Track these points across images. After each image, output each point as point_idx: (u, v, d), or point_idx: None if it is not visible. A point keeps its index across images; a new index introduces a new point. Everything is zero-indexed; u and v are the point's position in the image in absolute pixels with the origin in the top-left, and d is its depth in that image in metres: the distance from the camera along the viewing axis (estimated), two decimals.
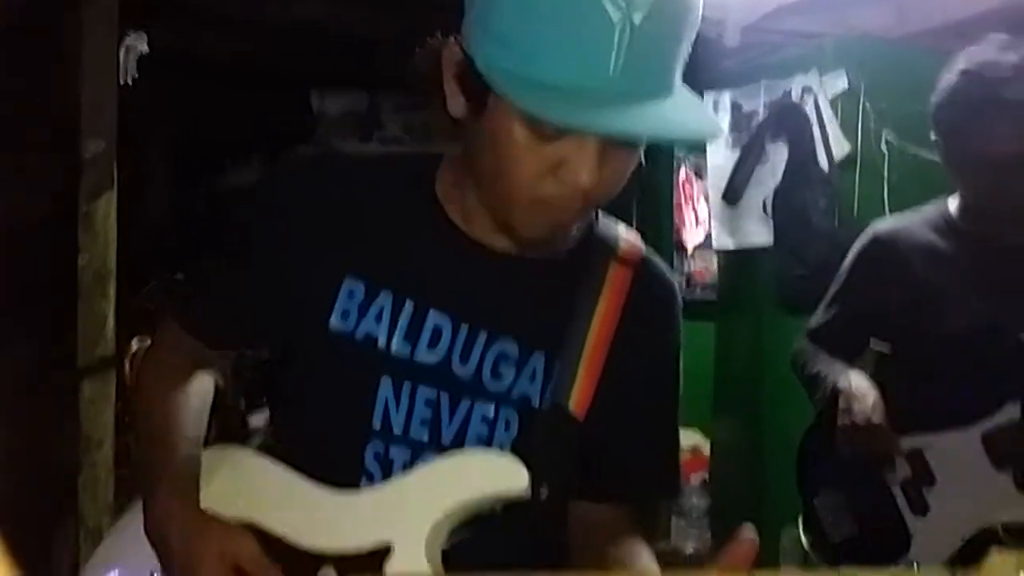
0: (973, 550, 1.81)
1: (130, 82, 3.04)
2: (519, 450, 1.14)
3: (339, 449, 1.17)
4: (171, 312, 1.30)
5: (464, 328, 1.17)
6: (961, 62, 1.87)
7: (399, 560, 1.06)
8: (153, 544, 1.12)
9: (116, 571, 1.18)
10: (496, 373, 1.17)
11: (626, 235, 1.26)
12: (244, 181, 4.12)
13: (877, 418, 1.87)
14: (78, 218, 2.83)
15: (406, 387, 1.16)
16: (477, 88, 1.03)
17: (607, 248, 1.23)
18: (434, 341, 1.17)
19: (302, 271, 1.18)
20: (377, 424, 1.16)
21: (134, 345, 2.95)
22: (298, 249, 1.18)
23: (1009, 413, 1.83)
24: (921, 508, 1.90)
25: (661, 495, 1.30)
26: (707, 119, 1.06)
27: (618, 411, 1.19)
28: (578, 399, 1.16)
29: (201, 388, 1.27)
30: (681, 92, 1.04)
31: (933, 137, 1.95)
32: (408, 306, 1.17)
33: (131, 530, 1.16)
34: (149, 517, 1.14)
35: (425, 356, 1.17)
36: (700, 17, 1.03)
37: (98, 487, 2.97)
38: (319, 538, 1.09)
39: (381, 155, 1.27)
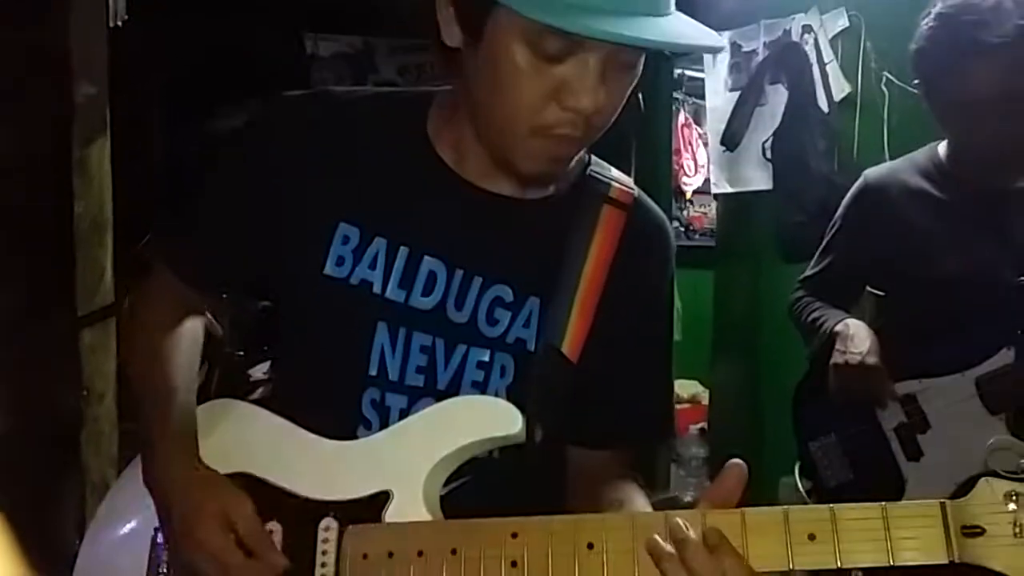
0: (966, 495, 1.83)
1: (120, 24, 2.99)
2: (514, 394, 1.14)
3: (336, 396, 1.17)
4: (159, 255, 1.28)
5: (459, 273, 1.17)
6: (938, 5, 1.85)
7: (398, 507, 1.07)
8: (152, 495, 1.14)
9: (123, 526, 1.18)
10: (491, 318, 1.17)
11: (618, 177, 1.25)
12: (238, 124, 4.07)
13: (871, 359, 1.89)
14: (72, 165, 2.81)
15: (402, 333, 1.16)
16: (475, 12, 1.02)
17: (599, 190, 1.22)
18: (429, 287, 1.17)
19: (294, 216, 1.17)
20: (373, 371, 1.16)
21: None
22: (290, 193, 1.17)
23: (1004, 358, 1.83)
24: (915, 453, 1.92)
25: (655, 438, 1.31)
26: (707, 33, 1.06)
27: (610, 354, 1.19)
28: (571, 342, 1.16)
29: (192, 333, 1.26)
30: (677, 14, 1.04)
31: (915, 81, 1.93)
32: (402, 252, 1.17)
33: (134, 484, 1.16)
34: (147, 469, 1.15)
35: (420, 302, 1.16)
36: None
37: (101, 440, 2.97)
38: (319, 488, 1.10)
39: (372, 95, 1.24)
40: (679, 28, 1.02)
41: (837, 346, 1.95)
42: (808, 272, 2.16)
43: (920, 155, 2.02)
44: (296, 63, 4.33)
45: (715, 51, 1.07)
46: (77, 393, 2.84)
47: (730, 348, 3.87)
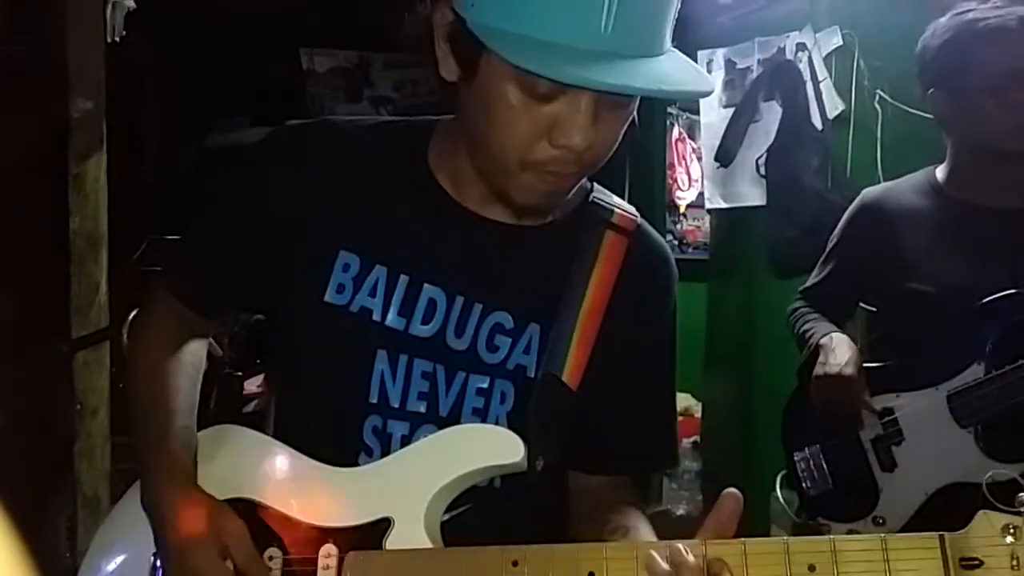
0: (936, 505, 1.88)
1: (117, 40, 3.00)
2: (515, 421, 1.14)
3: (337, 423, 1.17)
4: (162, 281, 1.29)
5: (459, 301, 1.17)
6: (948, 15, 1.91)
7: (399, 534, 1.07)
8: (149, 518, 1.14)
9: (121, 554, 1.18)
10: (491, 345, 1.17)
11: (620, 204, 1.25)
12: (233, 140, 4.08)
13: (849, 371, 1.93)
14: (68, 180, 2.81)
15: (402, 360, 1.17)
16: (469, 50, 1.03)
17: (601, 216, 1.22)
18: (428, 315, 1.17)
19: (295, 243, 1.18)
20: (374, 398, 1.17)
21: (130, 316, 2.94)
22: (290, 221, 1.18)
23: (974, 373, 1.87)
24: (889, 464, 1.97)
25: (658, 466, 1.30)
26: (699, 76, 1.05)
27: (612, 381, 1.19)
28: (571, 369, 1.16)
29: (194, 357, 1.26)
30: (672, 52, 1.04)
31: (927, 81, 1.97)
32: (403, 280, 1.17)
33: (132, 509, 1.17)
34: (145, 491, 1.15)
35: (420, 329, 1.17)
36: None
37: (95, 454, 2.96)
38: (320, 514, 1.11)
39: (373, 124, 1.25)
40: (670, 71, 1.01)
41: (819, 358, 2.00)
42: (808, 284, 2.21)
43: (917, 176, 2.06)
44: (292, 78, 4.34)
45: (704, 95, 1.06)
46: (70, 408, 2.84)
47: (723, 361, 3.88)
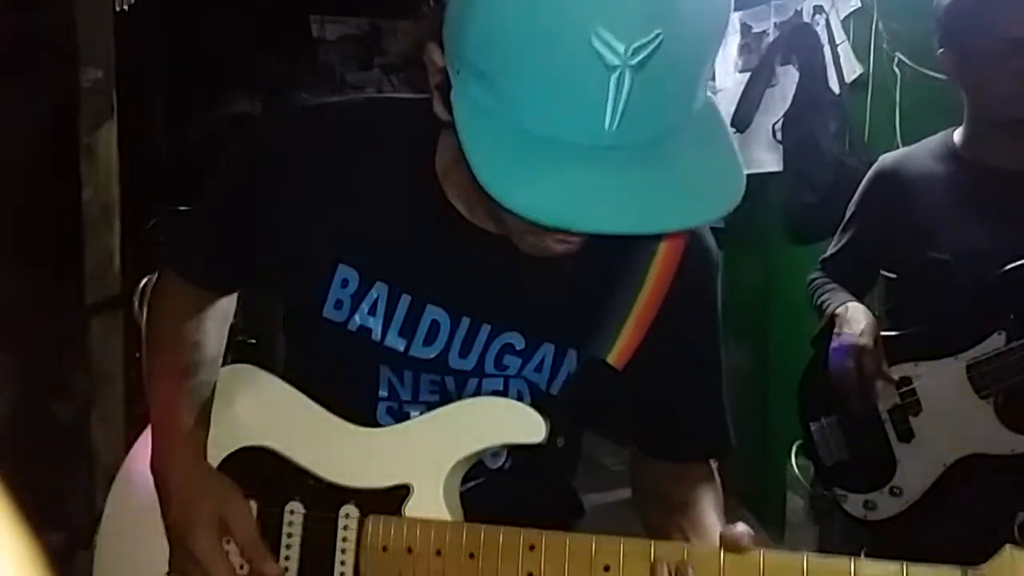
0: (954, 477, 1.86)
1: (126, 8, 2.98)
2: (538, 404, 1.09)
3: (351, 407, 1.13)
4: (169, 261, 1.24)
5: (464, 323, 1.10)
6: None
7: (418, 501, 1.06)
8: (155, 483, 1.12)
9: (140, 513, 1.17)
10: (499, 364, 1.12)
11: None
12: (244, 109, 4.06)
13: (865, 340, 1.91)
14: (79, 150, 2.80)
15: (407, 374, 1.12)
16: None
17: None
18: (431, 336, 1.11)
19: (293, 247, 1.11)
20: (384, 394, 1.13)
21: (142, 283, 2.94)
22: (289, 222, 1.10)
23: (995, 343, 1.83)
24: (906, 435, 1.94)
25: (711, 453, 1.23)
26: (721, 174, 0.88)
27: (665, 367, 1.13)
28: (620, 352, 1.08)
29: (216, 311, 1.22)
30: (698, 129, 0.88)
31: (939, 40, 1.92)
32: (404, 300, 1.10)
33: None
34: (154, 455, 1.13)
35: (421, 351, 1.11)
36: (728, 19, 0.88)
37: (111, 423, 2.99)
38: (341, 473, 1.09)
39: (380, 112, 1.14)
40: (685, 182, 0.85)
41: (835, 329, 1.97)
42: (826, 254, 2.17)
43: (934, 140, 2.03)
44: (303, 46, 4.31)
45: (720, 215, 0.84)
46: (86, 376, 2.85)
47: (739, 331, 3.86)
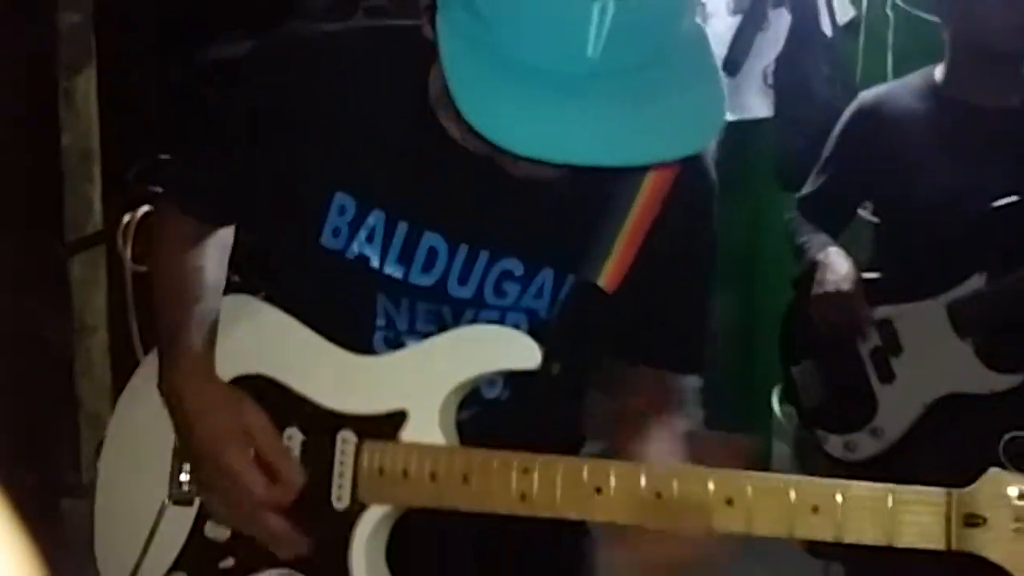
0: (934, 416, 1.88)
1: None
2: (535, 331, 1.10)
3: (348, 336, 1.13)
4: (170, 197, 1.25)
5: (462, 249, 1.10)
6: None
7: (414, 427, 1.07)
8: (167, 403, 1.13)
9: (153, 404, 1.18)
10: (499, 291, 1.11)
11: None
12: (226, 53, 3.99)
13: (847, 286, 1.92)
14: (58, 96, 2.76)
15: (404, 302, 1.12)
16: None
17: None
18: (429, 263, 1.11)
19: (289, 175, 1.11)
20: (381, 323, 1.13)
21: (125, 219, 2.91)
22: (285, 150, 1.10)
23: (975, 283, 1.85)
24: (887, 376, 1.96)
25: (686, 365, 1.24)
26: (699, 118, 0.90)
27: (652, 287, 1.12)
28: (610, 275, 1.09)
29: (218, 240, 1.23)
30: (681, 57, 0.89)
31: None
32: (401, 227, 1.10)
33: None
34: (163, 377, 1.13)
35: (420, 278, 1.11)
36: None
37: (95, 372, 2.98)
38: (338, 399, 1.10)
39: (373, 38, 1.13)
40: (666, 112, 0.87)
41: (816, 276, 1.98)
42: (804, 192, 2.19)
43: (915, 77, 2.04)
44: None
45: (699, 147, 0.95)
46: (69, 324, 2.85)
47: (728, 276, 3.85)
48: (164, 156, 3.23)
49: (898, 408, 1.93)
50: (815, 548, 2.96)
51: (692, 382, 1.28)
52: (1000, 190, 1.83)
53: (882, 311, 1.96)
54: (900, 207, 1.97)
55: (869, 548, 2.01)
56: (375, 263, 1.11)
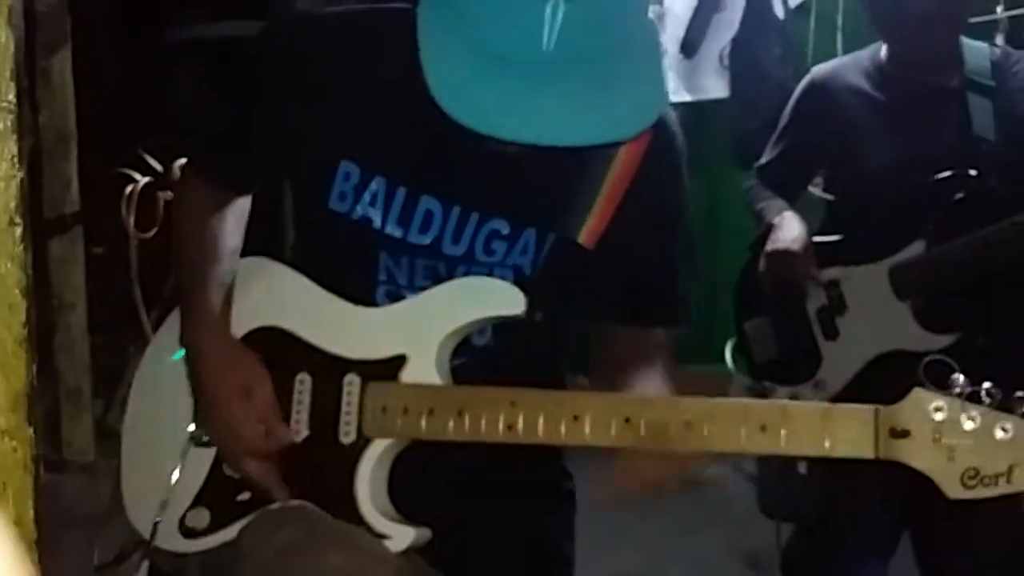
0: (872, 371, 2.01)
1: None
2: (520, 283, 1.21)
3: (353, 291, 1.24)
4: (192, 164, 1.37)
5: (455, 211, 1.23)
6: None
7: (413, 369, 1.18)
8: (187, 355, 1.24)
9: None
10: (488, 250, 1.24)
11: None
12: (198, 34, 4.01)
13: (796, 247, 2.04)
14: (35, 75, 2.78)
15: (403, 260, 1.24)
16: None
17: None
18: (426, 224, 1.23)
19: (300, 144, 1.23)
20: (383, 279, 1.25)
21: (127, 189, 2.95)
22: (297, 121, 1.23)
23: (915, 249, 1.98)
24: (832, 333, 2.08)
25: (667, 320, 1.35)
26: (642, 104, 1.04)
27: (629, 245, 1.25)
28: (589, 232, 1.22)
29: (236, 208, 1.33)
30: (632, 51, 1.03)
31: None
32: (401, 191, 1.22)
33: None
34: (184, 332, 1.24)
35: (418, 238, 1.23)
36: None
37: (75, 348, 3.02)
38: (344, 347, 1.21)
39: (374, 18, 1.25)
40: (612, 101, 1.02)
41: (771, 235, 2.10)
42: (762, 161, 2.29)
43: (864, 54, 2.13)
44: None
45: (626, 138, 1.12)
46: (47, 301, 2.87)
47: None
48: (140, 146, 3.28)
49: (840, 363, 2.06)
50: (767, 508, 3.10)
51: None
52: (940, 164, 1.94)
53: (830, 272, 2.07)
54: (847, 176, 2.08)
55: (818, 511, 2.15)
56: (377, 224, 1.23)
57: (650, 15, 1.10)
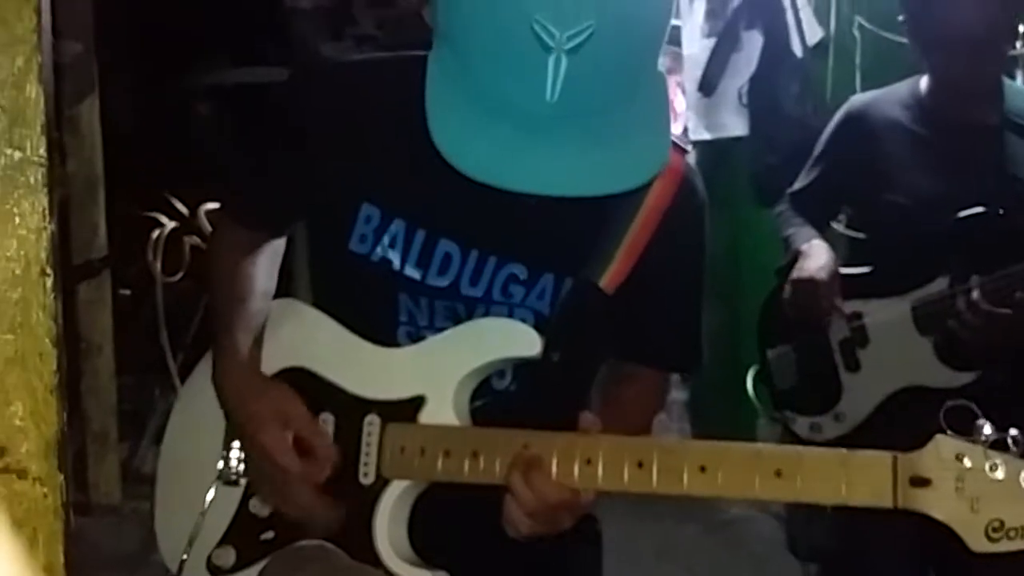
0: (892, 405, 1.99)
1: None
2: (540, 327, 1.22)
3: (375, 332, 1.27)
4: (224, 208, 1.42)
5: (474, 254, 1.25)
6: None
7: (431, 410, 1.19)
8: (217, 394, 1.26)
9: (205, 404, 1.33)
10: (505, 293, 1.25)
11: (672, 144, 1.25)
12: (216, 80, 4.08)
13: (823, 276, 2.02)
14: (62, 122, 2.83)
15: (423, 301, 1.27)
16: None
17: None
18: (444, 267, 1.25)
19: (323, 188, 1.26)
20: (404, 319, 1.27)
21: (154, 234, 2.99)
22: (320, 165, 1.25)
23: (938, 285, 1.96)
24: (854, 365, 2.07)
25: (683, 364, 1.39)
26: (643, 157, 1.05)
27: (649, 291, 1.26)
28: (611, 277, 1.23)
29: (270, 249, 1.37)
30: (638, 105, 1.04)
31: (901, 17, 2.03)
32: (420, 235, 1.24)
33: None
34: (215, 371, 1.26)
35: (436, 280, 1.25)
36: (670, 15, 1.05)
37: (101, 391, 3.05)
38: (365, 387, 1.23)
39: (395, 66, 1.26)
40: (612, 153, 1.02)
41: (797, 263, 2.08)
42: (795, 187, 2.27)
43: (903, 87, 2.12)
44: (275, 15, 4.33)
45: (625, 191, 1.08)
46: (75, 345, 2.91)
47: (710, 292, 3.94)
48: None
49: (861, 396, 2.04)
50: (794, 548, 3.07)
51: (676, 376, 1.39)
52: (970, 201, 1.92)
53: (854, 304, 2.05)
54: (876, 208, 2.06)
55: (845, 551, 2.11)
56: (396, 266, 1.25)
57: (660, 68, 1.10)
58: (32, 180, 0.82)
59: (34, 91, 0.81)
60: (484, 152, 1.00)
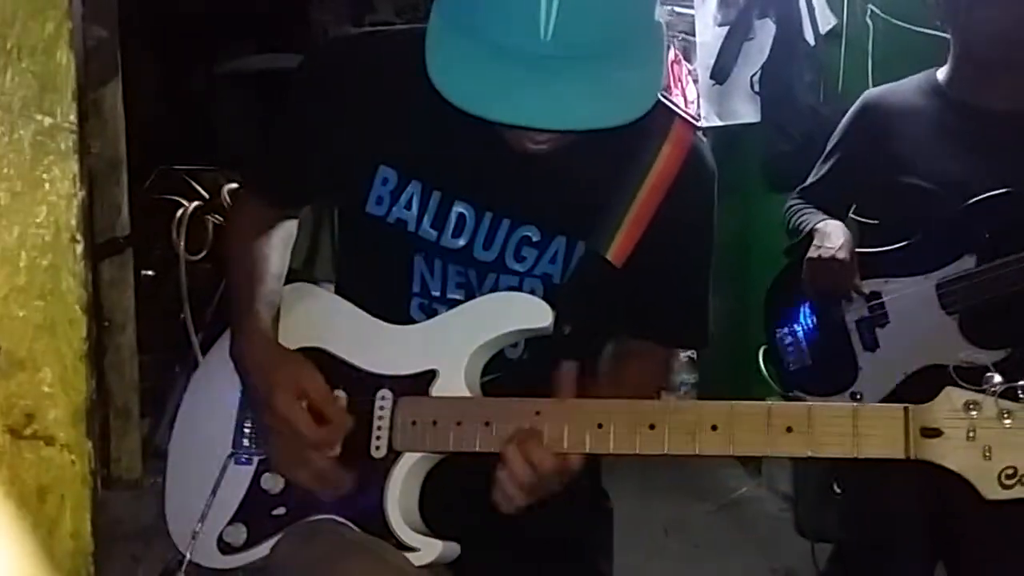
0: (911, 385, 1.98)
1: None
2: (548, 297, 1.26)
3: (387, 304, 1.31)
4: (245, 182, 1.47)
5: (487, 217, 1.28)
6: None
7: (443, 383, 1.23)
8: (236, 367, 1.30)
9: (218, 383, 1.38)
10: (518, 256, 1.29)
11: (681, 117, 1.29)
12: (239, 66, 4.13)
13: (842, 254, 2.03)
14: (86, 105, 2.88)
15: (437, 264, 1.31)
16: None
17: (658, 132, 1.27)
18: (459, 228, 1.29)
19: (341, 153, 1.30)
20: (416, 288, 1.31)
21: (178, 213, 3.04)
22: (338, 132, 1.30)
23: (965, 264, 1.97)
24: (871, 344, 2.08)
25: (690, 340, 1.43)
26: (635, 94, 1.07)
27: (657, 265, 1.28)
28: (618, 249, 1.26)
29: (283, 231, 1.42)
30: (631, 47, 1.07)
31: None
32: (435, 196, 1.28)
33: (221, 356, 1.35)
34: (233, 344, 1.30)
35: (450, 242, 1.29)
36: None
37: (124, 368, 3.12)
38: (377, 364, 1.27)
39: (412, 36, 1.26)
40: (605, 90, 1.05)
41: (814, 242, 2.08)
42: (808, 182, 2.28)
43: (919, 78, 2.13)
44: (295, 3, 4.38)
45: (611, 126, 1.08)
46: (98, 322, 2.96)
47: (720, 277, 3.96)
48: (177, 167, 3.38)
49: (879, 375, 2.04)
50: (802, 528, 3.11)
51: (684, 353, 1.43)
52: (996, 182, 1.93)
53: (873, 284, 2.06)
54: (897, 192, 2.06)
55: (851, 531, 2.09)
56: (412, 227, 1.29)
57: (657, 18, 1.13)
58: (63, 146, 0.79)
59: (65, 57, 0.79)
60: (479, 87, 1.04)
